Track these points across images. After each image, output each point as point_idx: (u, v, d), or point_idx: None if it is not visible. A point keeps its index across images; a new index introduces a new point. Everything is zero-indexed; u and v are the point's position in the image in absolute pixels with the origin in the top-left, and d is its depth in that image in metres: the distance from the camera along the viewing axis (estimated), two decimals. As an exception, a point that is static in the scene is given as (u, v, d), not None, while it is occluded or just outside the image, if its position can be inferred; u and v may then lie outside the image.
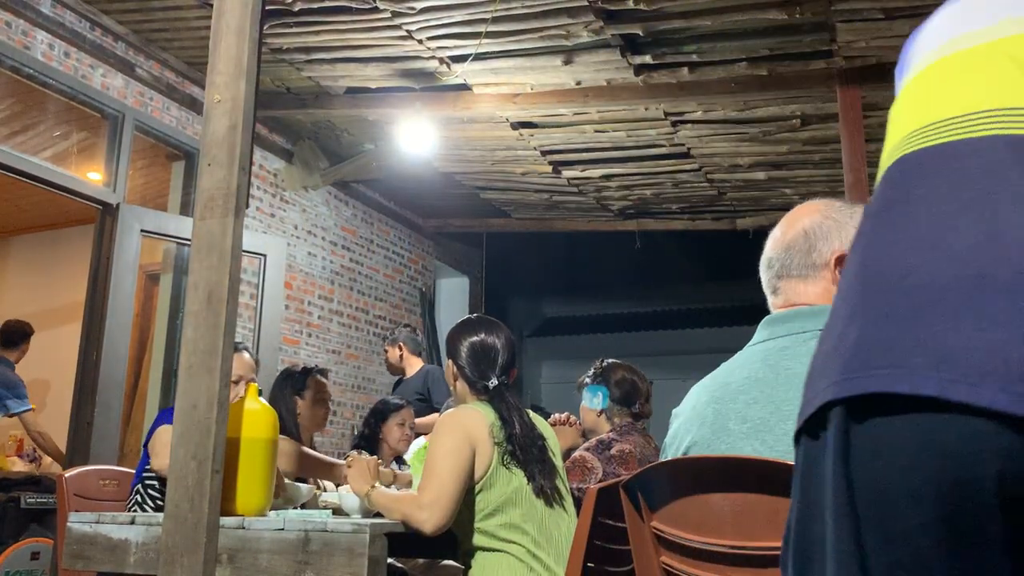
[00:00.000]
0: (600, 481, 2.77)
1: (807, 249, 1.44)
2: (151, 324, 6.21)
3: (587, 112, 5.44)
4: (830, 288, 1.40)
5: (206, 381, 2.12)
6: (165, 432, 2.77)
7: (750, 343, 1.47)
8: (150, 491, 2.80)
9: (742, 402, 1.36)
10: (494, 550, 2.17)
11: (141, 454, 2.86)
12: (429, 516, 2.10)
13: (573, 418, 3.18)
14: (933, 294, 0.74)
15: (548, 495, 2.25)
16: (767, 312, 1.51)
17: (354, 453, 2.70)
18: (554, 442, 2.43)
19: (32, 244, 7.69)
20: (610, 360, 3.28)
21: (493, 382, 2.39)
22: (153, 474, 2.84)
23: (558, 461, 2.39)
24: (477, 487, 2.19)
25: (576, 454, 2.96)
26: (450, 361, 2.48)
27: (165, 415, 2.87)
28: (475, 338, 2.46)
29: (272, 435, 2.31)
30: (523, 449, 2.26)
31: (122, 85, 5.00)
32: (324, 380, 3.42)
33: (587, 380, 3.25)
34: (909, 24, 4.07)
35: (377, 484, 2.37)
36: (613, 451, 2.95)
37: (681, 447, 1.42)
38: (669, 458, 1.21)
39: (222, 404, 2.11)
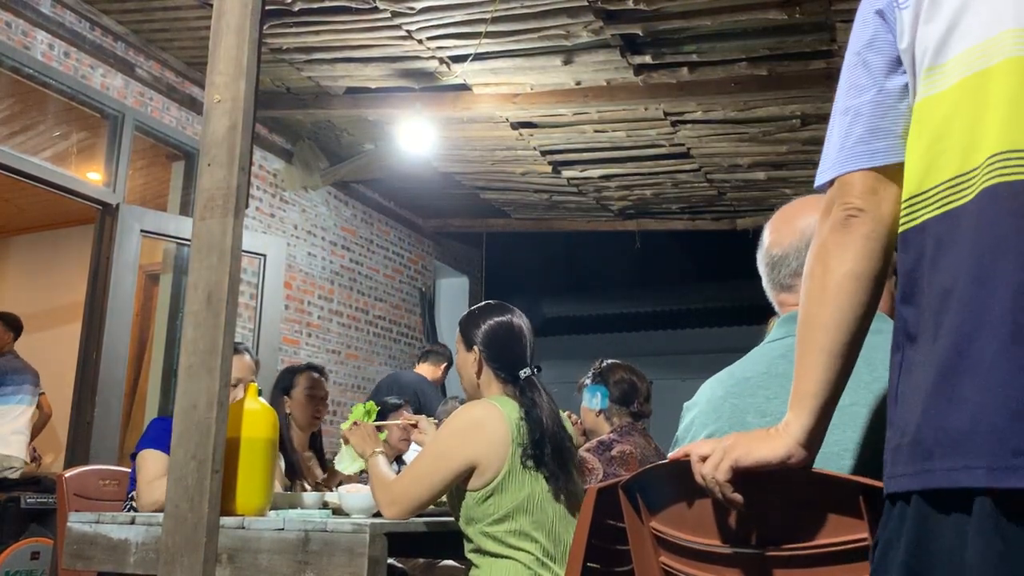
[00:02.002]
0: (600, 482, 2.77)
1: None
2: (151, 324, 6.21)
3: (587, 112, 5.44)
4: None
5: (206, 381, 2.12)
6: (148, 463, 2.64)
7: (767, 340, 1.45)
8: None
9: (762, 396, 1.35)
10: (502, 556, 2.09)
11: (132, 464, 2.83)
12: (388, 506, 2.15)
13: (575, 416, 3.18)
14: None
15: (566, 500, 2.16)
16: (767, 312, 1.50)
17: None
18: (575, 442, 2.34)
19: (32, 244, 7.68)
20: (609, 360, 3.28)
21: (525, 372, 2.22)
22: None
23: (576, 463, 2.30)
24: (487, 490, 2.09)
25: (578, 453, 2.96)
26: (471, 351, 2.26)
27: (153, 432, 2.74)
28: (500, 318, 2.27)
29: (272, 435, 2.31)
30: (553, 451, 2.13)
31: (122, 85, 5.00)
32: (316, 376, 3.40)
33: (587, 381, 3.25)
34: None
35: (379, 451, 2.35)
36: (614, 452, 2.96)
37: (697, 440, 1.41)
38: (680, 448, 1.20)
39: (222, 404, 2.11)
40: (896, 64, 1.05)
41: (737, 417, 1.35)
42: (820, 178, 1.10)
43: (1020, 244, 0.87)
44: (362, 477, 2.93)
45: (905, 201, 1.00)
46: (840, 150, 1.06)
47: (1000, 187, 0.89)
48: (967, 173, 0.93)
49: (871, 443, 1.22)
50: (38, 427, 5.55)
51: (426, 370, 5.82)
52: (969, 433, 0.86)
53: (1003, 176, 0.89)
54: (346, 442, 2.53)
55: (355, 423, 2.51)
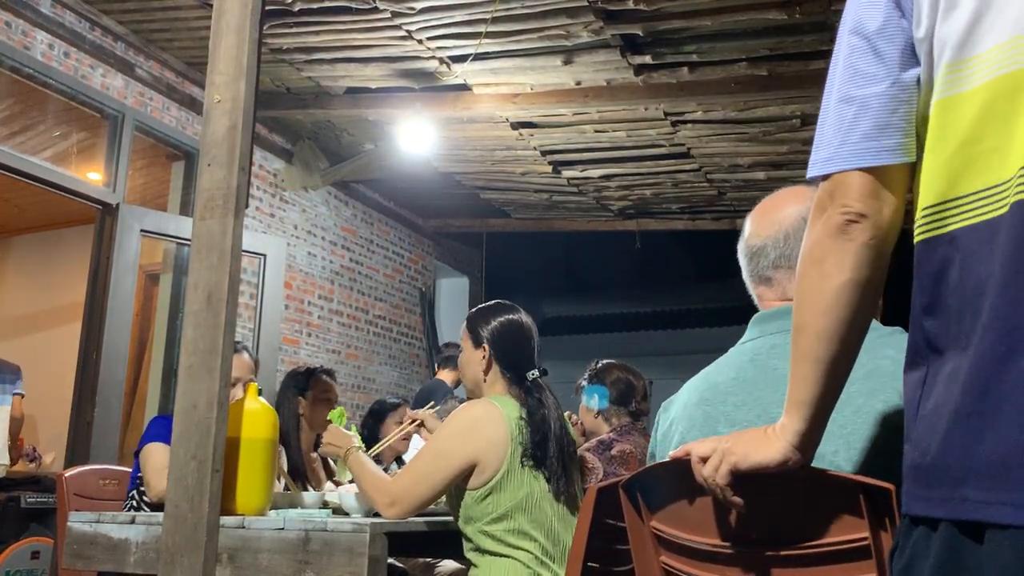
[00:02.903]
0: (600, 481, 2.77)
1: None
2: (151, 324, 6.21)
3: (587, 112, 5.44)
4: None
5: (206, 381, 2.12)
6: (154, 454, 2.67)
7: (741, 340, 1.46)
8: (144, 498, 2.77)
9: (731, 404, 1.35)
10: (501, 555, 2.10)
11: (134, 462, 2.83)
12: (389, 507, 2.13)
13: (575, 417, 3.18)
14: None
15: (566, 501, 2.16)
16: (766, 312, 1.50)
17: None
18: (576, 442, 2.35)
19: (32, 244, 7.69)
20: (605, 361, 3.29)
21: (533, 373, 2.23)
22: None
23: (577, 463, 2.30)
24: (486, 489, 2.10)
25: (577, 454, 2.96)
26: (479, 349, 2.27)
27: (155, 428, 2.77)
28: (511, 317, 2.28)
29: (272, 435, 2.31)
30: (557, 453, 2.13)
31: (122, 85, 4.99)
32: (329, 380, 3.41)
33: (583, 382, 3.26)
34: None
35: (356, 447, 2.31)
36: (614, 451, 2.96)
37: (671, 446, 1.41)
38: (680, 447, 1.20)
39: (222, 404, 2.11)
40: (910, 54, 0.97)
41: (709, 426, 1.35)
42: (818, 169, 1.02)
43: None
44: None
45: (930, 207, 0.93)
46: (843, 144, 0.99)
47: None
48: (1003, 183, 0.86)
49: (843, 438, 1.21)
50: (13, 430, 5.55)
51: (447, 376, 5.86)
52: (1009, 463, 0.81)
53: None
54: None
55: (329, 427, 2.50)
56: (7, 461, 5.36)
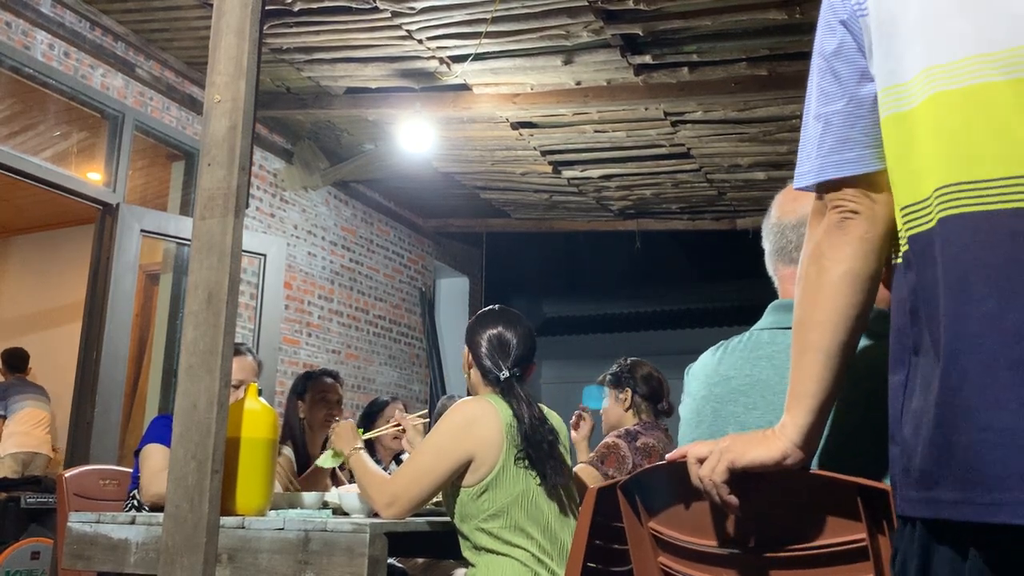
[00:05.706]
0: (631, 471, 2.79)
1: None
2: (151, 324, 6.21)
3: (587, 112, 5.44)
4: None
5: (206, 381, 2.12)
6: (153, 456, 2.67)
7: (757, 325, 1.43)
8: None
9: (741, 405, 1.34)
10: (498, 553, 2.11)
11: (134, 462, 2.83)
12: (387, 506, 2.16)
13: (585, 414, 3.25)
14: None
15: (559, 496, 2.19)
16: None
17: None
18: (565, 436, 2.38)
19: (32, 244, 7.69)
20: (633, 358, 3.32)
21: (504, 374, 2.30)
22: None
23: (567, 457, 2.33)
24: (481, 486, 2.12)
25: (609, 440, 3.05)
26: (467, 349, 2.40)
27: (156, 428, 2.76)
28: (493, 329, 2.39)
29: (272, 435, 2.31)
30: (534, 446, 2.18)
31: (122, 85, 5.00)
32: (327, 380, 3.41)
33: (608, 378, 3.29)
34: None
35: (360, 447, 2.39)
36: (639, 443, 3.02)
37: (684, 441, 1.41)
38: (677, 449, 1.19)
39: (222, 404, 2.11)
40: (866, 72, 1.05)
41: (718, 426, 1.35)
42: (799, 181, 1.12)
43: (985, 275, 0.88)
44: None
45: (898, 213, 1.01)
46: (816, 157, 1.09)
47: (953, 219, 0.91)
48: (925, 200, 0.94)
49: (829, 437, 1.21)
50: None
51: None
52: (963, 466, 0.86)
53: (954, 208, 0.90)
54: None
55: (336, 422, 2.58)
56: (49, 453, 5.86)
